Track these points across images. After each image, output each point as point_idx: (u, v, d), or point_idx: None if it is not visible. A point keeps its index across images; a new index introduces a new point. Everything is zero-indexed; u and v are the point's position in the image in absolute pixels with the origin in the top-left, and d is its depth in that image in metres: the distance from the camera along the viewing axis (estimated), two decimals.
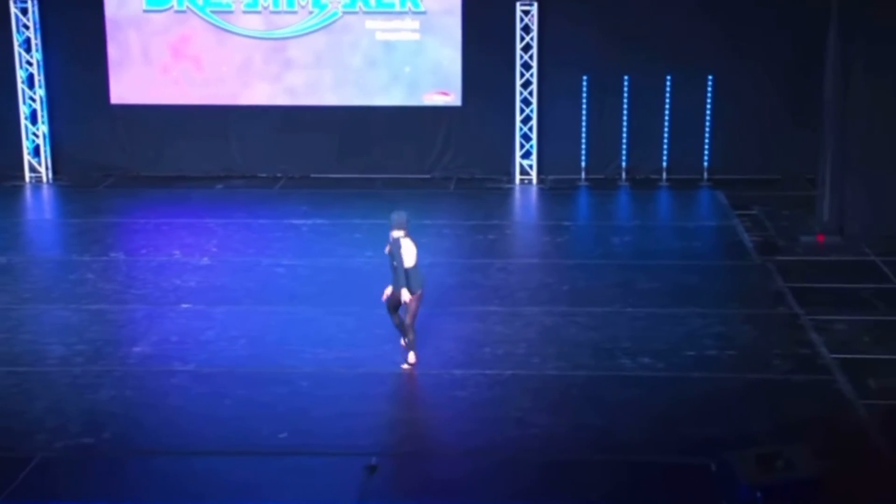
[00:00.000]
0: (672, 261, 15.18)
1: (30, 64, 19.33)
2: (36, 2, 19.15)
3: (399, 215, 11.59)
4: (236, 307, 13.47)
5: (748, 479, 8.71)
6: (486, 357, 12.01)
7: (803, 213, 16.84)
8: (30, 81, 19.40)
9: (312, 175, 19.70)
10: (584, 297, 13.76)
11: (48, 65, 19.46)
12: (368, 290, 13.86)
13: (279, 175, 19.78)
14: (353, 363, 11.85)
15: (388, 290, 11.52)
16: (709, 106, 19.03)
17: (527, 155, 19.40)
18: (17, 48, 19.18)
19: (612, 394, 11.12)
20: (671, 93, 19.01)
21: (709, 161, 19.23)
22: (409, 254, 11.41)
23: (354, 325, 12.91)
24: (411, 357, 11.62)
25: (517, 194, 18.95)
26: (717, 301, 13.53)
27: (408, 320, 11.49)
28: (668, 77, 18.94)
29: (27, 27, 19.17)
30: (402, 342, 11.65)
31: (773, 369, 11.63)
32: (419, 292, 11.45)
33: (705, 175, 19.22)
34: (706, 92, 18.97)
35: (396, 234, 11.46)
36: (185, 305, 13.52)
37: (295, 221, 17.11)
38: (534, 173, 19.39)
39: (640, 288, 14.03)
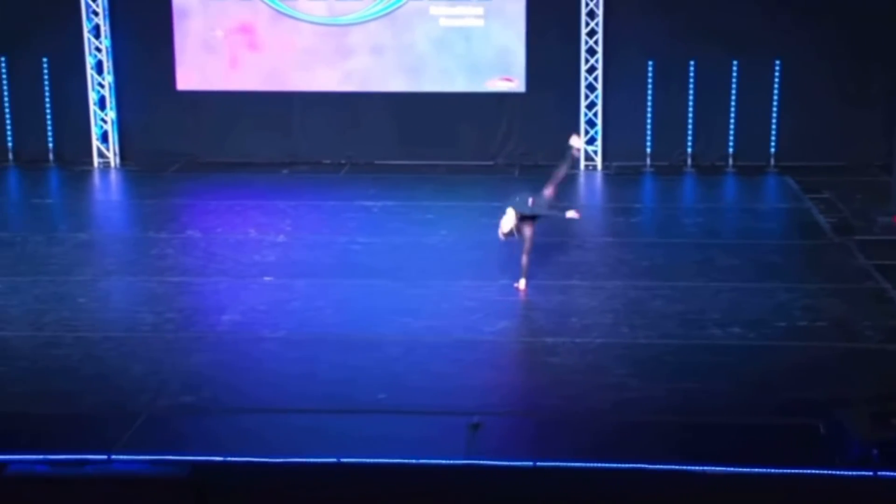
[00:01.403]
0: (749, 240, 15.12)
1: (98, 50, 19.48)
2: None
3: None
4: (318, 280, 13.51)
5: (863, 436, 8.64)
6: (575, 326, 12.00)
7: (876, 196, 16.71)
8: (98, 67, 19.55)
9: (376, 161, 19.73)
10: (665, 272, 13.72)
11: (116, 51, 19.61)
12: (447, 265, 14.07)
13: (343, 161, 19.83)
14: (441, 331, 11.87)
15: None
16: (776, 91, 18.95)
17: (591, 141, 19.38)
18: (86, 34, 19.32)
19: (706, 361, 11.09)
20: (737, 78, 18.94)
21: (776, 147, 19.14)
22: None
23: (438, 296, 12.94)
24: (522, 283, 12.81)
25: (582, 179, 18.93)
26: (800, 276, 13.47)
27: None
28: (735, 62, 18.88)
29: (96, 13, 19.32)
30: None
31: (867, 339, 11.57)
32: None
33: (772, 161, 19.12)
34: (773, 77, 18.89)
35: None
36: (267, 278, 13.58)
37: (364, 203, 17.15)
38: (598, 159, 19.37)
39: (721, 265, 13.99)
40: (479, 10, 19.34)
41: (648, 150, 19.36)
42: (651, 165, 19.30)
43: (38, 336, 11.66)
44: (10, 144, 19.84)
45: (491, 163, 19.71)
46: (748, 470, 8.76)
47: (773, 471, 8.75)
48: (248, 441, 9.37)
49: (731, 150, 19.23)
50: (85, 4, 19.22)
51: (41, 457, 8.97)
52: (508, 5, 19.20)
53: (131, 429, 9.52)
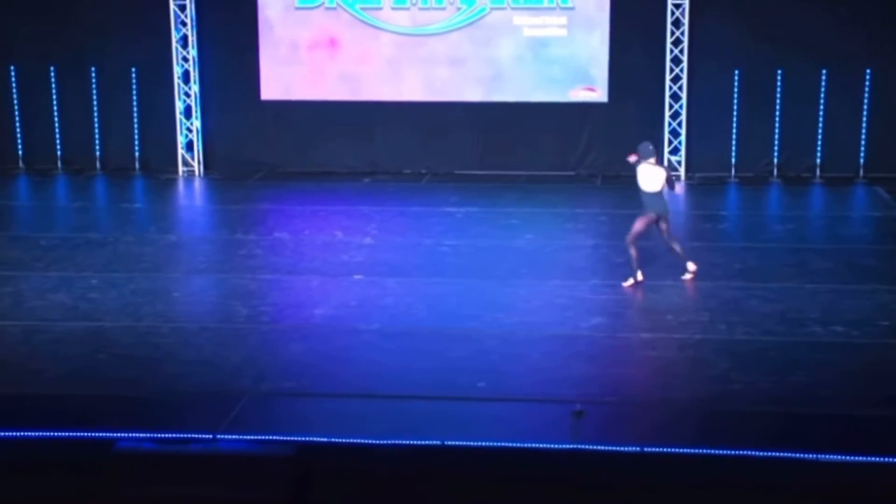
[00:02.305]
0: (842, 245, 14.90)
1: (185, 60, 19.72)
2: None
3: (645, 146, 13.10)
4: (408, 279, 13.49)
5: None
6: (671, 323, 11.86)
7: None
8: (185, 77, 19.78)
9: (456, 171, 19.70)
10: (759, 274, 13.53)
11: (202, 61, 19.83)
12: (536, 265, 14.00)
13: (423, 171, 19.84)
14: (536, 327, 11.79)
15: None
16: (866, 101, 18.66)
17: (675, 151, 19.23)
18: (174, 44, 19.56)
19: (810, 357, 10.89)
20: (826, 87, 18.69)
21: (864, 158, 18.83)
22: (645, 179, 12.96)
23: (529, 294, 12.87)
24: (691, 266, 13.18)
25: (667, 188, 18.67)
26: None
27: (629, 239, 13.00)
28: (824, 71, 18.64)
29: (185, 24, 19.56)
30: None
31: None
32: (651, 215, 12.95)
33: (861, 172, 18.81)
34: (863, 87, 18.61)
35: (650, 161, 13.02)
36: (357, 276, 13.58)
37: (448, 209, 17.14)
38: (682, 170, 19.20)
39: (816, 267, 13.76)
40: (563, 20, 19.32)
41: (733, 160, 19.14)
42: (736, 176, 19.08)
43: (137, 326, 11.74)
44: (97, 153, 20.10)
45: (572, 173, 19.61)
46: (856, 458, 8.55)
47: (883, 459, 8.54)
48: (351, 424, 9.31)
49: (818, 160, 18.97)
50: (174, 15, 19.46)
51: (148, 434, 8.98)
52: (592, 14, 19.15)
53: (234, 410, 9.51)
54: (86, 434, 9.09)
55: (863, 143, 18.81)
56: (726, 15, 18.70)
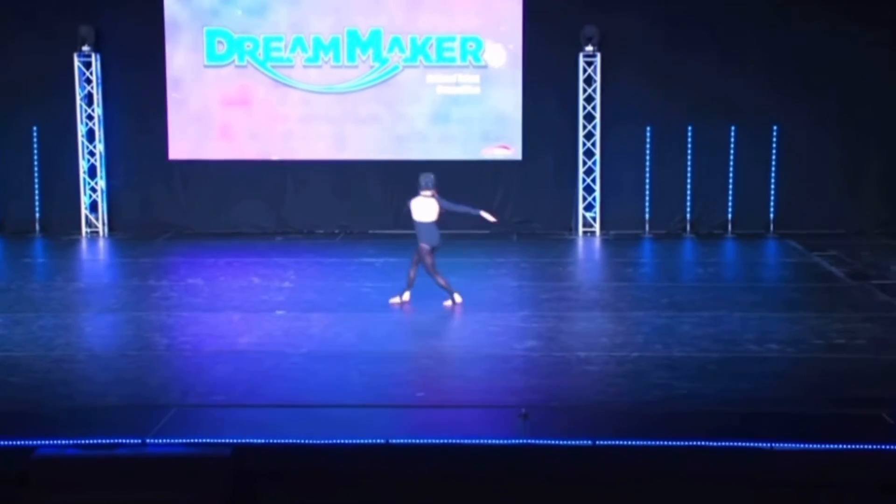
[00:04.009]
0: (765, 283, 14.98)
1: (90, 118, 19.21)
2: (99, 56, 19.12)
3: (423, 176, 13.41)
4: (333, 313, 13.09)
5: None
6: (606, 344, 11.65)
7: (883, 254, 16.69)
8: (90, 136, 19.25)
9: (370, 231, 19.40)
10: (688, 305, 13.45)
11: (107, 119, 19.34)
12: (464, 301, 13.67)
13: (336, 231, 19.51)
14: (470, 349, 11.63)
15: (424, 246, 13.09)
16: (774, 157, 18.95)
17: (589, 208, 19.25)
18: (79, 102, 19.07)
19: (751, 369, 10.74)
20: (735, 143, 18.96)
21: (774, 214, 19.05)
22: (419, 210, 13.24)
23: (459, 324, 12.76)
24: (457, 297, 13.18)
25: (582, 243, 18.71)
26: (828, 308, 13.24)
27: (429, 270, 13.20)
28: (733, 127, 18.93)
29: (89, 81, 19.11)
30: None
31: None
32: (425, 246, 13.16)
33: (771, 228, 19.01)
34: (771, 142, 18.92)
35: (424, 193, 13.25)
36: (279, 312, 13.12)
37: (365, 259, 16.81)
38: (597, 226, 19.19)
39: (742, 300, 13.73)
40: (476, 78, 19.36)
41: (647, 216, 19.22)
42: (650, 232, 19.14)
43: (50, 355, 11.08)
44: None
45: (487, 231, 19.38)
46: (807, 447, 8.35)
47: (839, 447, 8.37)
48: (290, 429, 8.80)
49: (729, 216, 19.14)
50: (79, 72, 19.00)
51: (71, 441, 8.37)
52: (505, 72, 19.23)
53: (163, 419, 8.94)
54: (2, 443, 8.43)
55: (772, 198, 19.05)
56: (637, 72, 18.91)
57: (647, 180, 19.18)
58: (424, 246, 13.21)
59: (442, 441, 8.38)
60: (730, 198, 19.11)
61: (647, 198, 19.23)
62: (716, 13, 18.73)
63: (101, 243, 18.81)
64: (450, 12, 19.22)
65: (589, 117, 19.03)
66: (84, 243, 18.76)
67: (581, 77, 18.89)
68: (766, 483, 8.17)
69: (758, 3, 18.70)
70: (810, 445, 8.38)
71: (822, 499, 8.12)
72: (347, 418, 9.15)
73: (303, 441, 8.40)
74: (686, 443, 8.41)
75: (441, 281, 13.27)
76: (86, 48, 18.89)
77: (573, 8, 18.83)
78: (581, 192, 19.16)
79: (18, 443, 8.36)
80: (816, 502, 8.12)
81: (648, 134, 19.08)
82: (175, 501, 7.92)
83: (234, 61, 19.40)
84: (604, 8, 18.78)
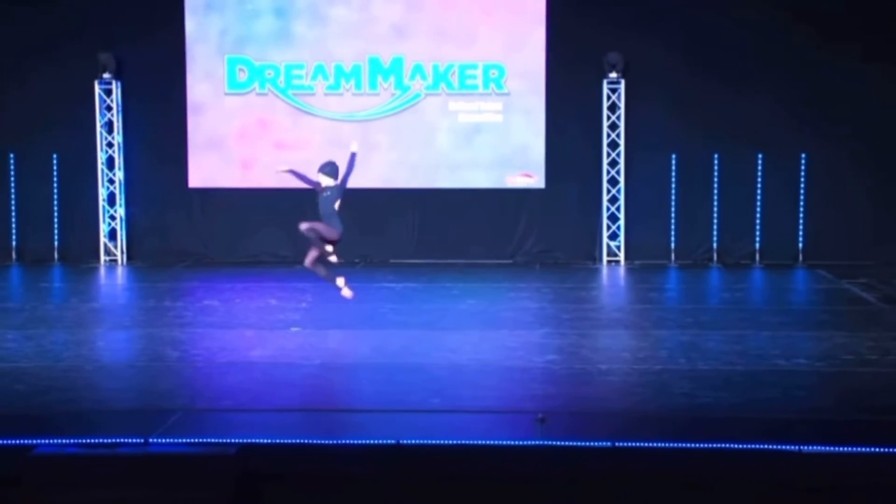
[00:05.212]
0: (795, 306, 14.59)
1: (110, 146, 19.12)
2: (119, 83, 19.06)
3: (324, 164, 12.91)
4: (350, 330, 12.85)
5: None
6: (628, 358, 11.30)
7: None
8: (109, 163, 19.15)
9: (392, 260, 19.13)
10: (714, 325, 13.08)
11: (128, 147, 19.23)
12: (482, 320, 13.55)
13: (357, 260, 19.22)
14: (488, 362, 11.24)
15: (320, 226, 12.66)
16: (802, 186, 18.58)
17: (613, 236, 18.92)
18: (99, 129, 18.98)
19: (779, 381, 10.34)
20: (763, 172, 18.63)
21: (803, 244, 18.63)
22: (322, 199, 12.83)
23: (477, 339, 12.35)
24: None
25: (606, 271, 18.36)
26: (858, 328, 12.81)
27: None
28: (760, 155, 18.61)
29: (110, 109, 19.03)
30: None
31: None
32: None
33: (800, 258, 18.60)
34: (799, 171, 18.56)
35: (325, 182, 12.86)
36: (294, 329, 12.87)
37: (386, 284, 16.53)
38: (622, 255, 18.85)
39: (770, 320, 13.35)
40: (499, 106, 19.14)
41: (672, 245, 18.87)
42: (675, 262, 18.77)
43: (58, 365, 10.83)
44: (13, 243, 19.20)
45: (509, 261, 19.13)
46: (840, 450, 7.97)
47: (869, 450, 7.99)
48: (298, 431, 8.49)
49: (757, 245, 18.75)
50: (99, 99, 18.93)
51: (71, 441, 8.09)
52: (528, 100, 19.01)
53: (168, 421, 8.64)
54: (1, 442, 8.15)
55: (801, 228, 18.65)
56: (662, 99, 18.63)
57: (673, 209, 18.84)
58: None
59: (454, 442, 8.04)
60: (757, 227, 18.73)
61: (673, 227, 18.88)
62: (741, 40, 18.44)
63: (119, 270, 18.61)
64: (472, 40, 19.06)
65: (613, 145, 18.75)
66: (102, 270, 18.56)
67: (605, 104, 18.64)
68: (794, 486, 7.78)
69: (785, 32, 18.40)
70: (840, 448, 7.99)
71: (852, 503, 7.72)
72: (357, 421, 8.83)
73: (310, 441, 8.08)
74: (710, 445, 8.04)
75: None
76: (106, 75, 18.82)
77: (596, 35, 18.59)
78: (605, 221, 18.85)
79: (18, 442, 8.08)
80: None
81: (674, 162, 18.77)
82: (178, 501, 7.62)
83: (254, 89, 19.28)
84: (628, 35, 18.52)
